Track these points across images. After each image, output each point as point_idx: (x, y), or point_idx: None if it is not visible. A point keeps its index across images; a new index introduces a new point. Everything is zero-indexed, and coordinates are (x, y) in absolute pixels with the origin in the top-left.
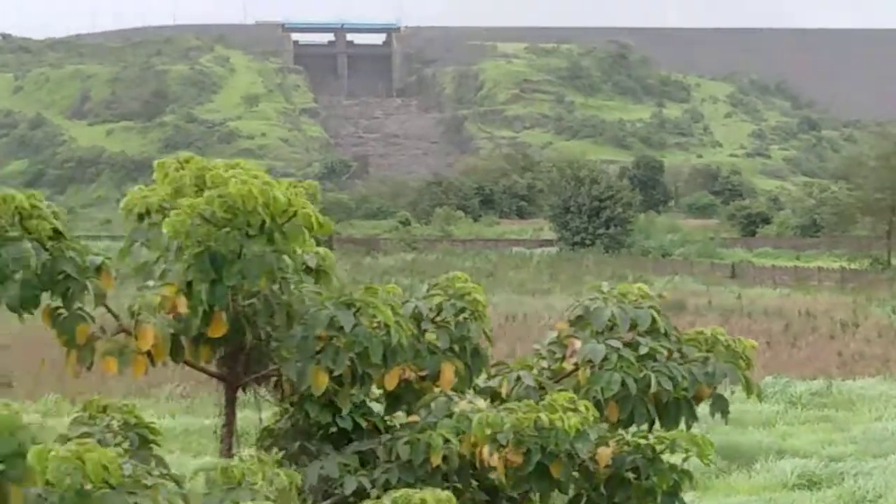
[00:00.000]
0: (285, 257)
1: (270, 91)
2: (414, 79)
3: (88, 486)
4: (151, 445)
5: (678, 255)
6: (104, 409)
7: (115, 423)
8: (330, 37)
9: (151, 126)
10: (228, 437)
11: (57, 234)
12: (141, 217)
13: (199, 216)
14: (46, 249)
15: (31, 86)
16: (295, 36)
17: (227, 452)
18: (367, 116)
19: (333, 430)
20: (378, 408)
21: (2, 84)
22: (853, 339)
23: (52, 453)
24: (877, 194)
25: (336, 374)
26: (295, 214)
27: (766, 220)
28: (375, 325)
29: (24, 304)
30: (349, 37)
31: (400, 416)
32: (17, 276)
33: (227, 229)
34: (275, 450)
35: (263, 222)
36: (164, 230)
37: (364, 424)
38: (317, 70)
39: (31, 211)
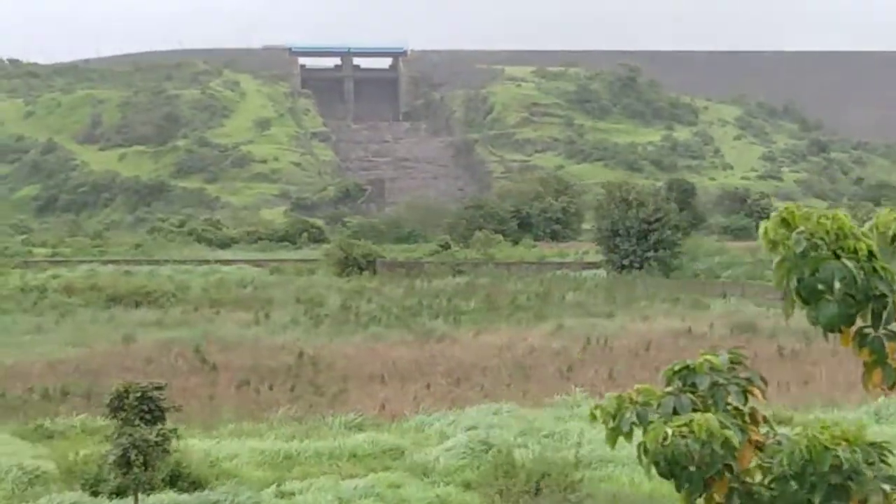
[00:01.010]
0: None
1: (281, 115)
2: (421, 102)
3: None
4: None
5: (726, 277)
6: None
7: None
8: (336, 61)
9: (164, 150)
10: None
11: (871, 255)
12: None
13: None
14: (861, 269)
15: (42, 111)
16: (301, 60)
17: None
18: (376, 140)
19: None
20: None
21: (12, 109)
22: None
23: None
24: None
25: None
26: None
27: None
28: None
29: (838, 323)
30: (356, 61)
31: None
32: (832, 295)
33: None
34: None
35: None
36: None
37: None
38: (323, 94)
39: (849, 231)
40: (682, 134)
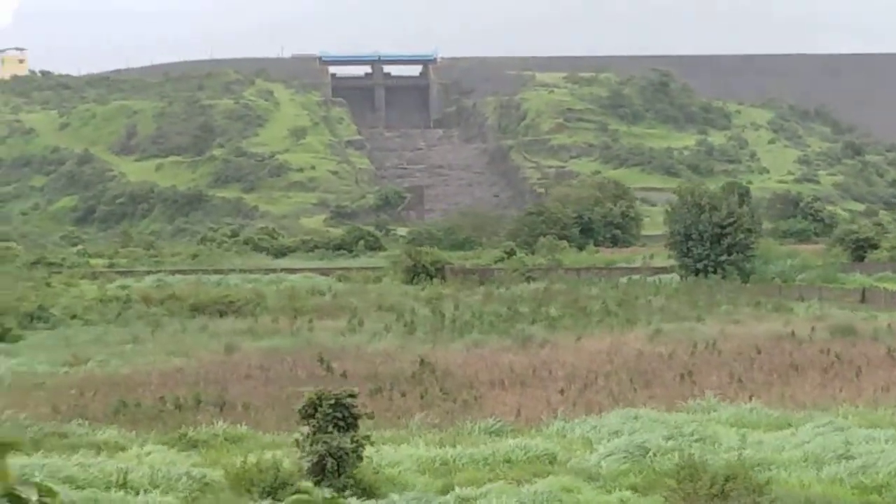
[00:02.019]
0: None
1: (316, 124)
2: (453, 109)
3: None
4: None
5: (800, 280)
6: None
7: None
8: (367, 69)
9: (201, 160)
10: None
11: None
12: None
13: None
14: None
15: (76, 122)
16: (332, 69)
17: None
18: (409, 148)
19: None
20: None
21: (47, 121)
22: None
23: None
24: None
25: None
26: None
27: (874, 245)
28: None
29: None
30: (386, 69)
31: None
32: None
33: None
34: None
35: None
36: None
37: None
38: (354, 102)
39: None
40: (716, 138)
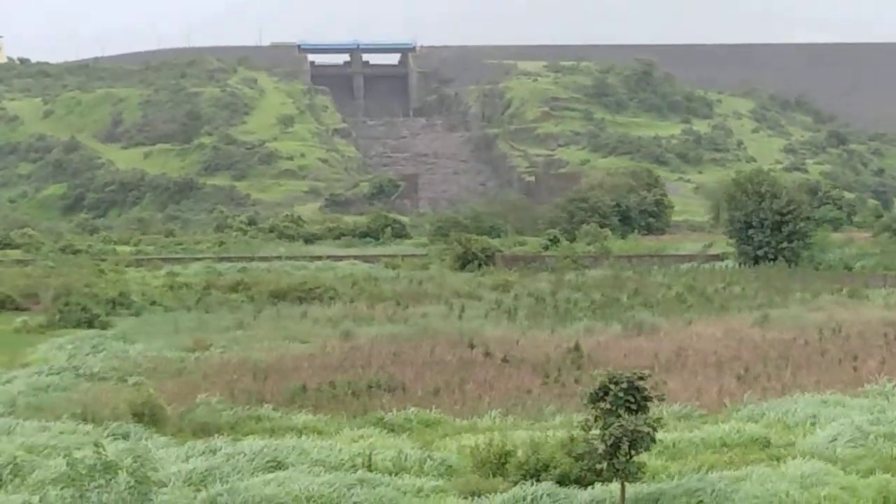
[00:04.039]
0: None
1: (302, 112)
2: (434, 98)
3: None
4: None
5: (859, 267)
6: None
7: None
8: (345, 57)
9: (189, 148)
10: None
11: None
12: None
13: None
14: None
15: (61, 110)
16: (311, 57)
17: None
18: (393, 136)
19: None
20: None
21: (30, 108)
22: None
23: None
24: None
25: None
26: None
27: None
28: None
29: None
30: (364, 57)
31: None
32: None
33: None
34: None
35: None
36: None
37: None
38: (334, 90)
39: None
40: (700, 127)
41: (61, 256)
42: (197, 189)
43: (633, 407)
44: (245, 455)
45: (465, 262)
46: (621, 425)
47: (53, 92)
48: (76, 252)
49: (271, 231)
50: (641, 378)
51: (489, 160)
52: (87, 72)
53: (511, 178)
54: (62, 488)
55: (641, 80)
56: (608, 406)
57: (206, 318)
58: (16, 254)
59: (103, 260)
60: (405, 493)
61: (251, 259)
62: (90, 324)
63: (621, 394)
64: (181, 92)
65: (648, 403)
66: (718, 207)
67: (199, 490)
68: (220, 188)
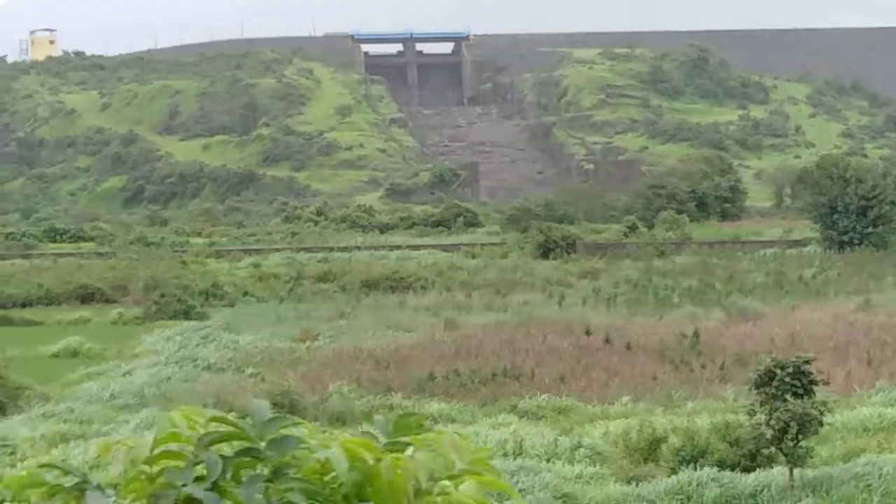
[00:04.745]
0: None
1: (358, 102)
2: (488, 87)
3: None
4: None
5: None
6: None
7: None
8: (399, 47)
9: (248, 139)
10: None
11: None
12: None
13: None
14: None
15: (118, 102)
16: (364, 47)
17: None
18: (449, 125)
19: None
20: None
21: (87, 101)
22: None
23: None
24: None
25: None
26: None
27: None
28: None
29: None
30: (418, 46)
31: None
32: None
33: None
34: None
35: None
36: None
37: None
38: (387, 80)
39: None
40: (756, 113)
41: (144, 249)
42: (257, 180)
43: (800, 391)
44: None
45: (546, 250)
46: (789, 409)
47: (109, 85)
48: (150, 244)
49: (343, 221)
50: (808, 362)
51: (546, 148)
52: (142, 64)
53: (569, 166)
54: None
55: (697, 66)
56: (773, 391)
57: (303, 309)
58: (89, 246)
59: (183, 251)
60: (566, 479)
61: (330, 249)
62: (186, 315)
63: (787, 378)
64: (238, 83)
65: (814, 387)
66: (781, 193)
67: None
68: (279, 179)
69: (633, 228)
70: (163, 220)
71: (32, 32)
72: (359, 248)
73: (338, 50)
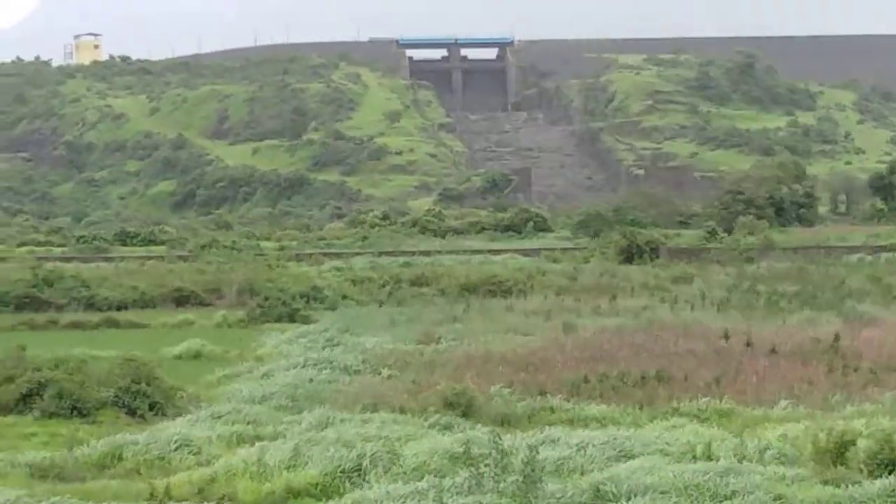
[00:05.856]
0: None
1: (407, 107)
2: (533, 92)
3: None
4: None
5: None
6: None
7: None
8: (443, 52)
9: (298, 144)
10: None
11: None
12: None
13: None
14: None
15: (167, 107)
16: (409, 52)
17: None
18: (496, 131)
19: None
20: None
21: (136, 106)
22: None
23: None
24: None
25: None
26: None
27: None
28: None
29: None
30: (462, 52)
31: None
32: None
33: None
34: None
35: None
36: None
37: None
38: (432, 85)
39: None
40: (804, 119)
41: (226, 252)
42: (307, 184)
43: None
44: (594, 445)
45: (629, 255)
46: None
47: (157, 89)
48: (226, 247)
49: (413, 225)
50: None
51: (594, 154)
52: (189, 69)
53: (618, 172)
54: (439, 476)
55: (743, 72)
56: None
57: (411, 312)
58: (160, 249)
59: (261, 255)
60: (773, 481)
61: (413, 254)
62: (291, 318)
63: None
64: (286, 88)
65: None
66: (836, 199)
67: (567, 478)
68: (330, 184)
69: (713, 234)
70: (227, 223)
71: (77, 37)
72: (439, 252)
73: (383, 55)
